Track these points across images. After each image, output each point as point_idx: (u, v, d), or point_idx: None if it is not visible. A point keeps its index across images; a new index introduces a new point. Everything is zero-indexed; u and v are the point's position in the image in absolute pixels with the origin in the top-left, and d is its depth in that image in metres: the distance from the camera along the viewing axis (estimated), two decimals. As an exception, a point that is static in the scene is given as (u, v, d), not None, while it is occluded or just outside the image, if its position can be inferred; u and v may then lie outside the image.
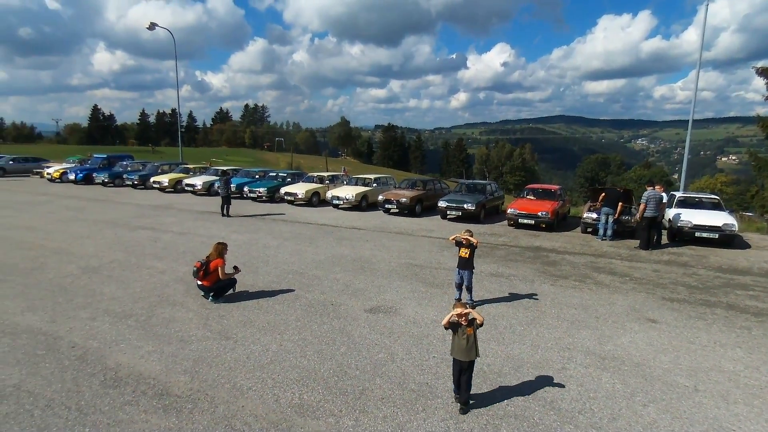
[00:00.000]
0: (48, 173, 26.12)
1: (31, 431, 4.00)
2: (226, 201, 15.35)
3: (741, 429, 4.20)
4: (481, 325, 4.35)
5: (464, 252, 6.95)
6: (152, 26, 26.41)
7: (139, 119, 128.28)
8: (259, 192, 18.66)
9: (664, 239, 12.78)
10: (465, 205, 14.59)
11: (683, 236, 12.29)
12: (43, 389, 4.66)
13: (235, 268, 7.46)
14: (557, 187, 15.77)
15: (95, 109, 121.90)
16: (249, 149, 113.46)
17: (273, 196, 18.74)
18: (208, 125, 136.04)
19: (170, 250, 10.67)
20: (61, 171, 25.63)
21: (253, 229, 13.31)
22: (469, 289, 7.12)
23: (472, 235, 6.90)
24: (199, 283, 7.16)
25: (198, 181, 20.86)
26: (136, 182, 22.89)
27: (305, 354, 5.50)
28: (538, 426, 4.16)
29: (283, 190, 18.31)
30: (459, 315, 4.25)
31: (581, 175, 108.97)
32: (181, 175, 22.48)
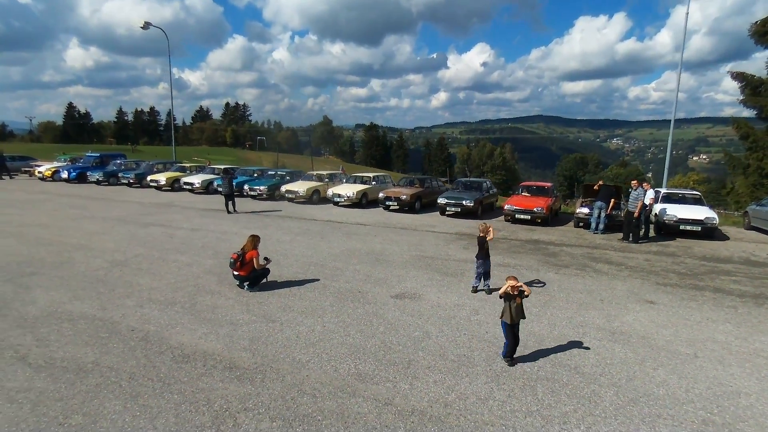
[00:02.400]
0: (39, 172, 26.03)
1: (124, 398, 4.50)
2: (230, 198, 15.79)
3: (736, 385, 4.95)
4: (528, 296, 5.27)
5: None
6: (146, 26, 26.37)
7: (116, 117, 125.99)
8: (260, 190, 19.07)
9: (651, 232, 13.69)
10: (463, 202, 15.30)
11: (669, 229, 13.21)
12: (120, 365, 5.14)
13: (266, 259, 7.96)
14: (550, 184, 16.62)
15: (70, 107, 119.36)
16: (230, 148, 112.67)
17: (273, 194, 19.17)
18: (188, 124, 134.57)
19: (188, 245, 11.08)
20: (53, 169, 25.58)
21: (262, 226, 13.77)
22: (488, 275, 7.81)
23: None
24: (236, 273, 7.65)
25: (196, 179, 21.15)
26: (131, 181, 23.02)
27: (348, 333, 6.07)
28: (567, 386, 4.83)
29: (284, 187, 18.76)
30: (512, 288, 5.14)
31: (560, 174, 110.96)
32: (178, 173, 22.71)
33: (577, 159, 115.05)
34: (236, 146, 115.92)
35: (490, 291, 7.77)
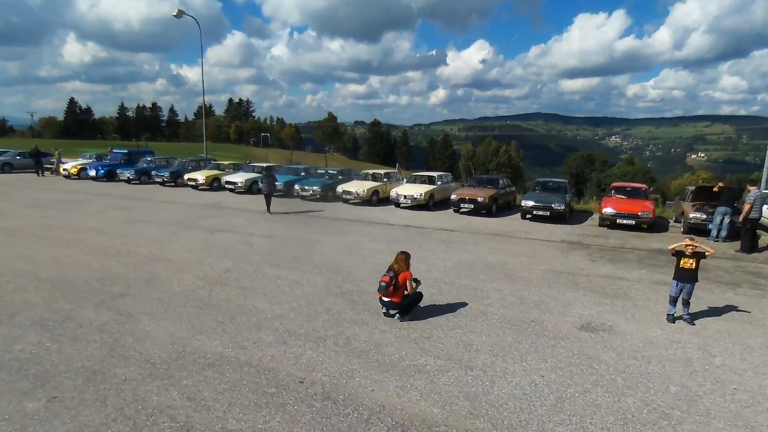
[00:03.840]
0: (65, 169, 24.43)
1: None
2: (269, 198, 14.62)
3: None
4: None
5: (688, 263, 6.24)
6: (180, 14, 24.78)
7: (118, 113, 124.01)
8: (313, 190, 17.61)
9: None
10: (554, 205, 13.92)
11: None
12: (328, 444, 3.75)
13: (416, 280, 6.56)
14: (645, 186, 15.30)
15: (71, 102, 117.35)
16: (234, 144, 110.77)
17: (326, 195, 17.73)
18: (189, 120, 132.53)
19: (277, 255, 9.66)
20: (80, 167, 23.96)
21: (340, 232, 12.36)
22: (687, 303, 6.41)
23: (696, 245, 6.22)
24: (386, 299, 6.24)
25: (239, 178, 19.63)
26: (166, 179, 21.47)
27: (585, 388, 4.68)
28: None
29: (340, 188, 17.32)
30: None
31: (567, 172, 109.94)
32: (217, 172, 21.17)
33: (584, 157, 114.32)
34: (240, 143, 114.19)
35: (692, 321, 6.39)
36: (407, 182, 18.44)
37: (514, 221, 14.56)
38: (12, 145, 39.26)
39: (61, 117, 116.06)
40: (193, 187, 20.84)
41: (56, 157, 27.17)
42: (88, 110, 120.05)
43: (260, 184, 17.93)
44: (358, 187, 17.11)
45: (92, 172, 23.16)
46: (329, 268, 8.77)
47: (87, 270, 8.26)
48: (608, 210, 13.15)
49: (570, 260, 9.91)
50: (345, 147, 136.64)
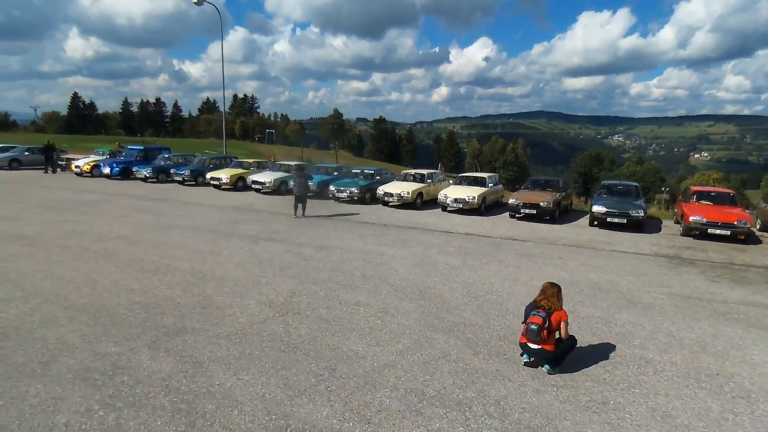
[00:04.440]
0: (77, 166, 22.80)
1: None
2: (302, 200, 13.28)
3: None
4: None
5: None
6: (200, 1, 23.26)
7: (122, 108, 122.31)
8: (350, 191, 16.13)
9: None
10: (632, 212, 12.43)
11: None
12: None
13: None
14: (732, 191, 13.82)
15: (75, 97, 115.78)
16: (239, 141, 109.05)
17: (364, 197, 16.26)
18: (193, 115, 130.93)
19: (342, 273, 8.20)
20: (93, 164, 22.38)
21: (398, 240, 10.90)
22: None
23: None
24: (535, 346, 4.78)
25: (267, 177, 18.14)
26: (186, 178, 19.97)
27: None
28: None
29: (381, 189, 15.84)
30: None
31: (575, 171, 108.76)
32: (242, 170, 19.66)
33: (592, 156, 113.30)
34: (245, 139, 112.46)
35: None
36: (453, 184, 16.95)
37: (582, 228, 13.09)
38: (16, 141, 37.67)
39: (64, 112, 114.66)
40: (215, 186, 19.37)
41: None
42: (92, 105, 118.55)
43: (291, 185, 16.45)
44: (401, 188, 15.63)
45: (106, 170, 21.62)
46: (412, 291, 7.33)
47: (126, 292, 6.81)
48: (697, 218, 11.65)
49: (685, 280, 8.44)
50: (350, 144, 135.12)
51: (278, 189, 17.92)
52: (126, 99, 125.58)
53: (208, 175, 19.47)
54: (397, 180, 17.32)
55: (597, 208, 12.92)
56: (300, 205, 13.47)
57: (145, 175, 20.87)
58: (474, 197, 14.70)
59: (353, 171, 18.64)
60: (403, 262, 9.01)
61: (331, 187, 16.73)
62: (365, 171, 18.16)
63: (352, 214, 14.24)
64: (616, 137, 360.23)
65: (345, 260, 9.03)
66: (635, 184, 15.18)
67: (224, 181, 18.88)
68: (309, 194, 13.90)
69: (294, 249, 9.79)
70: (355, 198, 16.26)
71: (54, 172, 24.33)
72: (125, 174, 21.55)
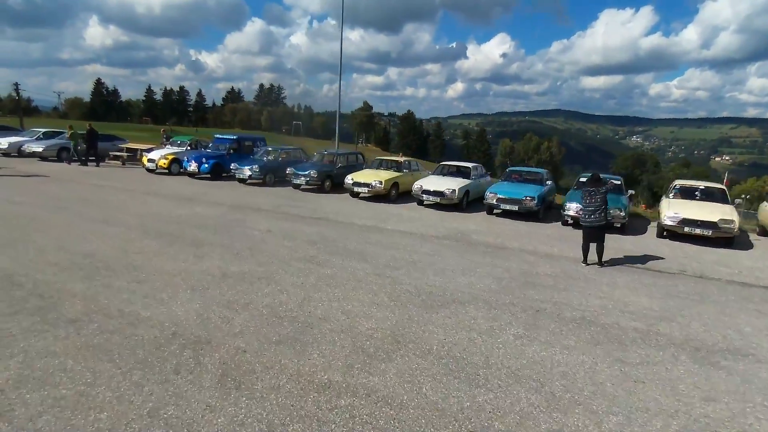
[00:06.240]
0: (150, 160, 18.01)
1: None
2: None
3: None
4: None
5: None
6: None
7: (145, 96, 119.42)
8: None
9: None
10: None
11: None
12: None
13: None
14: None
15: (98, 83, 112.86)
16: (265, 132, 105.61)
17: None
18: (217, 105, 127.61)
19: None
20: (171, 157, 17.66)
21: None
22: None
23: None
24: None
25: (448, 184, 13.58)
26: (311, 180, 15.30)
27: None
28: None
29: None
30: None
31: (616, 173, 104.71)
32: (397, 174, 15.07)
33: (634, 157, 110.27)
34: (271, 130, 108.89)
35: None
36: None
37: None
38: (43, 125, 33.27)
39: (86, 98, 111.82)
40: (352, 194, 14.99)
41: (69, 137, 21.00)
42: (115, 92, 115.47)
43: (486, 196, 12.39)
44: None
45: (192, 166, 16.93)
46: None
47: None
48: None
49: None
50: (376, 138, 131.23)
51: (461, 202, 13.51)
52: (149, 87, 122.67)
53: (349, 179, 14.65)
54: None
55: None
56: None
57: (249, 175, 16.15)
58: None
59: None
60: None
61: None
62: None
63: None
64: (634, 138, 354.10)
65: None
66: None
67: (376, 187, 14.13)
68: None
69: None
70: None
71: (97, 165, 19.67)
72: (215, 172, 17.02)
